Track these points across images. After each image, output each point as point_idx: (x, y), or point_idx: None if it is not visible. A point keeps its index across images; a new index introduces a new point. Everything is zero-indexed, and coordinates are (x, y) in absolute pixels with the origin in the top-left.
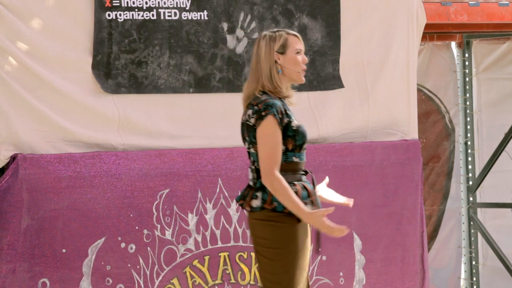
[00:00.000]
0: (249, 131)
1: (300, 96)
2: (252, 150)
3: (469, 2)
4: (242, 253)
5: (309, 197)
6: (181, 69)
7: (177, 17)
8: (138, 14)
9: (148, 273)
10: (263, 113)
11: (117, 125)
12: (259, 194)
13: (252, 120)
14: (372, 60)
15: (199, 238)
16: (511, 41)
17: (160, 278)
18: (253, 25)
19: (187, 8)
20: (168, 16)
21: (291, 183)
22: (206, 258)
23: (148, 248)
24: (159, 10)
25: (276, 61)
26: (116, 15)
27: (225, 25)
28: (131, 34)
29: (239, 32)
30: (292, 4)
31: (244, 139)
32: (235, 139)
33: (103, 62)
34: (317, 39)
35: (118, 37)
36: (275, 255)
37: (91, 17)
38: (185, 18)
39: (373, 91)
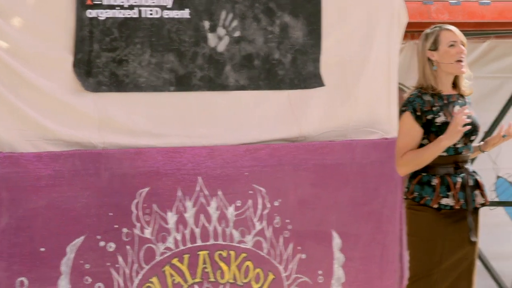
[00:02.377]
0: None
1: (281, 95)
2: None
3: (450, 1)
4: (221, 252)
5: (449, 191)
6: (162, 67)
7: (158, 16)
8: (120, 12)
9: (127, 271)
10: (403, 108)
11: (98, 124)
12: (407, 184)
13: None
14: (353, 59)
15: (179, 237)
16: (491, 40)
17: (139, 277)
18: (235, 23)
19: (169, 7)
20: (150, 14)
21: (433, 175)
22: (186, 256)
23: (128, 247)
24: (141, 8)
25: (429, 59)
26: (97, 13)
27: (206, 24)
28: (112, 33)
29: (221, 31)
30: (273, 2)
31: None
32: (216, 138)
33: (84, 61)
34: (298, 38)
35: (99, 35)
36: (409, 241)
37: (72, 15)
38: (167, 16)
39: (354, 90)
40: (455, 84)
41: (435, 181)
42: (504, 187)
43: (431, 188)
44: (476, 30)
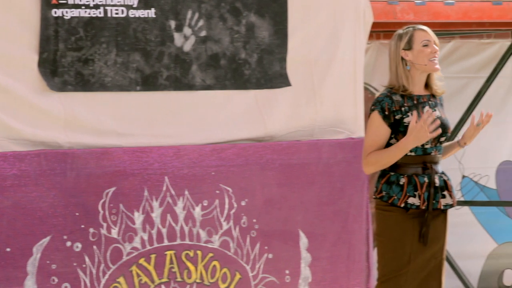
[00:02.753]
0: None
1: (247, 94)
2: None
3: (415, 1)
4: (188, 252)
5: (416, 191)
6: (128, 67)
7: (124, 15)
8: (85, 12)
9: (94, 272)
10: (372, 107)
11: (63, 123)
12: (376, 183)
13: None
14: (319, 59)
15: (146, 237)
16: (456, 40)
17: (106, 277)
18: (201, 23)
19: (135, 6)
20: (115, 13)
21: (401, 175)
22: (152, 256)
23: (94, 247)
24: (106, 7)
25: (403, 58)
26: (62, 12)
27: (172, 23)
28: (77, 32)
29: (187, 30)
30: (239, 2)
31: None
32: (182, 137)
33: (49, 60)
34: (264, 38)
35: (64, 35)
36: (379, 241)
37: (37, 14)
38: (133, 16)
39: (320, 90)
40: (427, 85)
41: (402, 181)
42: (469, 186)
43: (399, 188)
44: (441, 30)
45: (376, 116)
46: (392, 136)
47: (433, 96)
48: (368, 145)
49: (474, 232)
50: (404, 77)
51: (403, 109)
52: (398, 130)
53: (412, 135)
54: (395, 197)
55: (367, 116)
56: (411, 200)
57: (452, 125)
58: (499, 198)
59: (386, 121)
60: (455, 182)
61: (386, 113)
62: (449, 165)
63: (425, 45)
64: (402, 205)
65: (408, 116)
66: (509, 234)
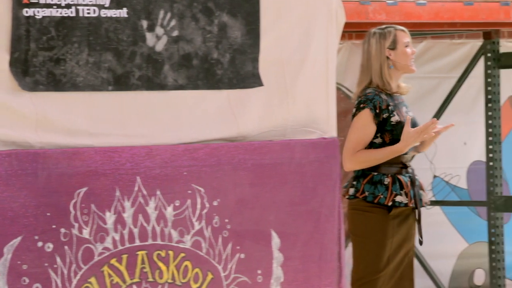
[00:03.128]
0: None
1: (219, 94)
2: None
3: (387, 2)
4: (160, 252)
5: (402, 190)
6: (100, 66)
7: (96, 15)
8: (57, 11)
9: (65, 272)
10: (361, 105)
11: (35, 123)
12: (354, 183)
13: (353, 110)
14: (291, 59)
15: (117, 237)
16: (428, 40)
17: (77, 277)
18: (173, 22)
19: (106, 6)
20: (87, 13)
21: (385, 175)
22: (124, 256)
23: (66, 247)
24: (78, 7)
25: (388, 57)
26: (34, 12)
27: (144, 23)
28: (49, 31)
29: (159, 30)
30: (212, 2)
31: None
32: (155, 137)
33: (21, 60)
34: (237, 37)
35: (36, 34)
36: (357, 242)
37: (9, 14)
38: (104, 15)
39: (293, 89)
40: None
41: (387, 180)
42: (440, 186)
43: (384, 187)
44: (413, 31)
45: (367, 113)
46: (378, 135)
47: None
48: (355, 143)
49: (445, 232)
50: (389, 76)
51: (389, 108)
52: (384, 129)
53: (409, 141)
54: (381, 196)
55: (341, 115)
56: (398, 198)
57: None
58: (470, 198)
59: (376, 119)
60: (426, 182)
61: (377, 111)
62: (420, 165)
63: (407, 46)
64: (390, 203)
65: (394, 115)
66: (480, 234)
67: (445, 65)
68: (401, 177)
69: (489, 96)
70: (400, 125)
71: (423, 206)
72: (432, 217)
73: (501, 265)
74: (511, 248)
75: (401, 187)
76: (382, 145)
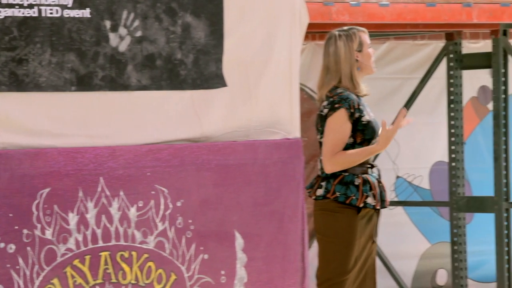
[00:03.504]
0: (321, 121)
1: (183, 95)
2: (322, 140)
3: (351, 3)
4: (123, 253)
5: (371, 191)
6: (63, 67)
7: (59, 15)
8: (19, 11)
9: (28, 273)
10: (336, 105)
11: None
12: (323, 183)
13: (325, 111)
14: (255, 59)
15: (80, 238)
16: (391, 41)
17: (40, 278)
18: (136, 23)
19: (69, 6)
20: (50, 13)
21: (355, 175)
22: (87, 257)
23: (28, 248)
24: (41, 7)
25: (356, 60)
26: None
27: (107, 23)
28: (11, 32)
29: (122, 30)
30: (175, 2)
31: (317, 129)
32: (118, 138)
33: None
34: (200, 38)
35: None
36: (325, 243)
37: None
38: (67, 15)
39: (256, 90)
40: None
41: (358, 181)
42: (403, 187)
43: (355, 188)
44: (376, 32)
45: (343, 113)
46: (351, 134)
47: None
48: (334, 144)
49: (408, 232)
50: (357, 78)
51: (360, 107)
52: (356, 128)
53: (387, 142)
54: (353, 197)
55: (304, 116)
56: (369, 200)
57: (386, 126)
58: (432, 198)
59: (351, 119)
60: (389, 183)
61: (352, 110)
62: (383, 166)
63: (370, 47)
64: (362, 204)
65: (364, 115)
66: (442, 234)
67: (407, 66)
68: (370, 178)
69: (452, 97)
70: (370, 124)
71: (385, 207)
72: (394, 218)
73: (463, 265)
74: (474, 248)
75: (370, 188)
76: (353, 145)
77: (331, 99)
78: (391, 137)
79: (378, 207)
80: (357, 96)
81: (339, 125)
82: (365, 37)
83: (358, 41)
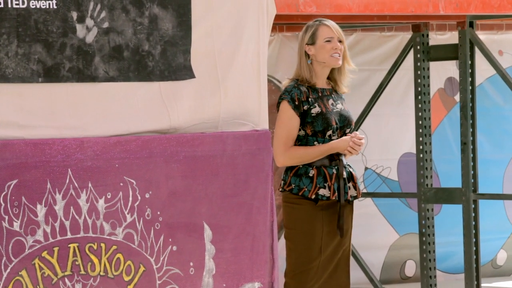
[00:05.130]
0: None
1: (151, 86)
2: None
3: None
4: (92, 244)
5: (326, 182)
6: (30, 58)
7: (25, 6)
8: None
9: None
10: (280, 97)
11: None
12: (284, 175)
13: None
14: (223, 50)
15: (48, 229)
16: (358, 33)
17: (8, 270)
18: (103, 14)
19: None
20: (16, 4)
21: (310, 167)
22: (55, 249)
23: None
24: None
25: (306, 52)
26: None
27: (74, 14)
28: None
29: (89, 22)
30: None
31: None
32: (86, 129)
33: None
34: (168, 29)
35: None
36: (288, 234)
37: None
38: (33, 6)
39: (224, 82)
40: (330, 79)
41: (312, 172)
42: (372, 178)
43: (308, 180)
44: (343, 23)
45: (286, 106)
46: (300, 127)
47: (336, 91)
48: (284, 137)
49: (377, 224)
50: (307, 70)
51: (310, 99)
52: (305, 121)
53: (340, 144)
54: (306, 189)
55: (272, 107)
56: (321, 192)
57: (354, 118)
58: (400, 189)
59: (296, 111)
60: (358, 174)
61: (296, 103)
62: (352, 157)
63: (328, 41)
64: (313, 196)
65: (315, 107)
66: (411, 225)
67: (375, 57)
68: (326, 170)
69: (419, 89)
70: (320, 116)
71: (347, 200)
72: (363, 209)
73: (431, 257)
74: (442, 239)
75: (325, 180)
76: (305, 137)
77: (281, 93)
78: (346, 144)
79: (333, 198)
80: (315, 88)
81: (285, 117)
82: (325, 30)
83: (312, 33)
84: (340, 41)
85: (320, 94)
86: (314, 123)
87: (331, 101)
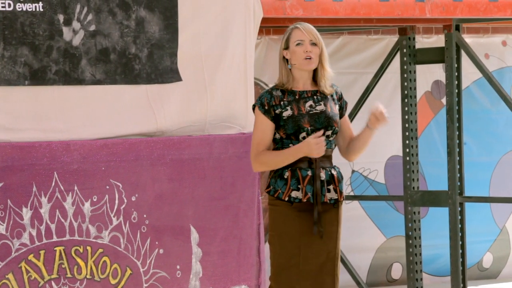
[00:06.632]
0: None
1: (138, 89)
2: None
3: None
4: (78, 247)
5: (299, 184)
6: (16, 61)
7: (11, 8)
8: None
9: None
10: (253, 104)
11: None
12: (268, 178)
13: None
14: (210, 54)
15: (34, 233)
16: (345, 36)
17: None
18: (90, 17)
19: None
20: (2, 7)
21: (286, 169)
22: (42, 252)
23: None
24: None
25: (284, 57)
26: None
27: (61, 17)
28: None
29: (76, 24)
30: None
31: None
32: (72, 132)
33: None
34: (154, 32)
35: None
36: (269, 237)
37: None
38: (20, 9)
39: (211, 85)
40: (316, 81)
41: (286, 174)
42: (359, 181)
43: (283, 181)
44: (330, 26)
45: (257, 111)
46: (275, 131)
47: (321, 92)
48: (256, 142)
49: (364, 226)
50: (285, 75)
51: (282, 103)
52: (279, 124)
53: (307, 147)
54: (280, 191)
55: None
56: (294, 194)
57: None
58: (387, 192)
59: (267, 115)
60: (345, 177)
61: (266, 107)
62: (338, 160)
63: (298, 44)
64: (286, 198)
65: (286, 110)
66: (397, 228)
67: (361, 60)
68: (300, 172)
69: (406, 92)
70: (291, 119)
71: (324, 202)
72: (351, 212)
73: (418, 259)
74: (428, 242)
75: (298, 182)
76: (281, 140)
77: None
78: (308, 145)
79: (304, 201)
80: (292, 91)
81: (257, 123)
82: (297, 34)
83: (286, 38)
84: (314, 44)
85: (297, 97)
86: (286, 126)
87: (310, 103)
